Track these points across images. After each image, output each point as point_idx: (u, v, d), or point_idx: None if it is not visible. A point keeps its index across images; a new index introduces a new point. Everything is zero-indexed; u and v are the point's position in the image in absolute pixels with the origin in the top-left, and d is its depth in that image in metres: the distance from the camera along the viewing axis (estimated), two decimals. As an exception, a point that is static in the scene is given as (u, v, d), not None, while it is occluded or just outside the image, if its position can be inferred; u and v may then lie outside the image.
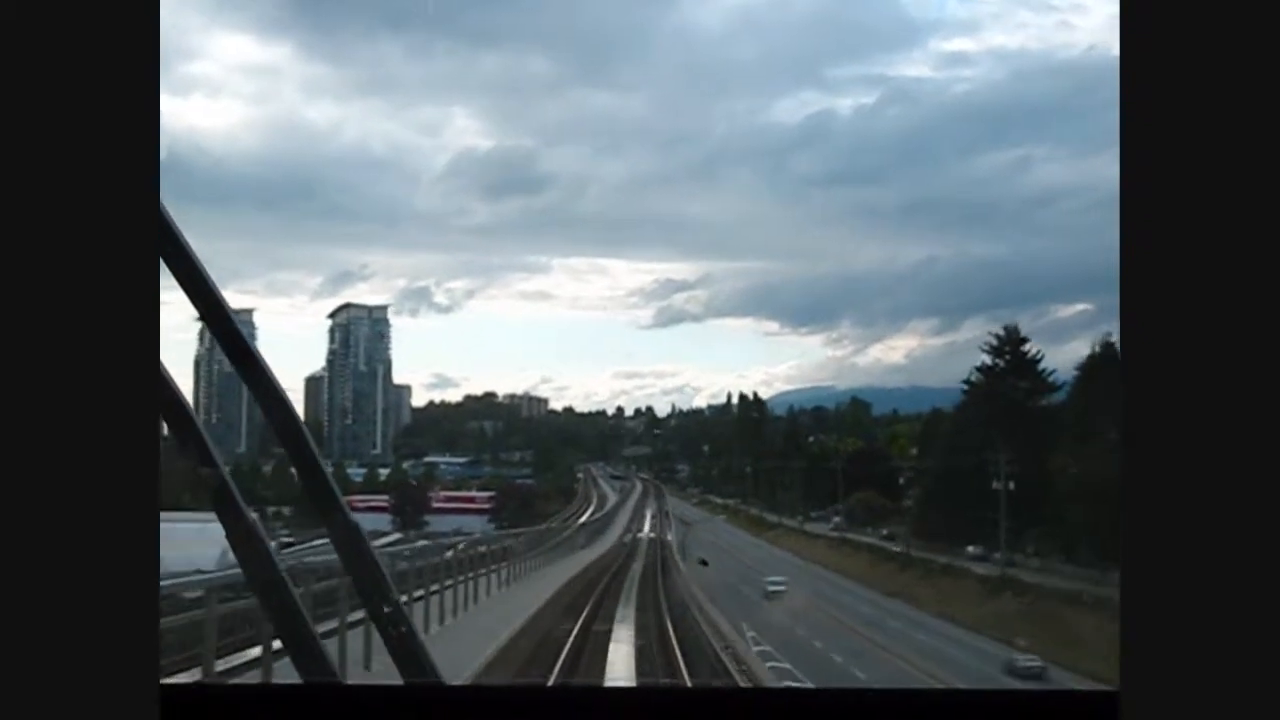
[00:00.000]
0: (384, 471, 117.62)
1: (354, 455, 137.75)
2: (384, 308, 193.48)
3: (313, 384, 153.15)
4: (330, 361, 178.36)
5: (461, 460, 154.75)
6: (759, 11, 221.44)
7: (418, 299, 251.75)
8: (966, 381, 67.73)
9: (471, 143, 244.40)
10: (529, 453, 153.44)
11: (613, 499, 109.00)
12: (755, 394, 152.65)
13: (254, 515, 1.40)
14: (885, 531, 74.87)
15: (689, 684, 18.39)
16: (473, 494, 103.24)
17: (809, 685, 15.86)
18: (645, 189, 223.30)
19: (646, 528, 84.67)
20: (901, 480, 79.98)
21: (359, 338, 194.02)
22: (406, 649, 1.45)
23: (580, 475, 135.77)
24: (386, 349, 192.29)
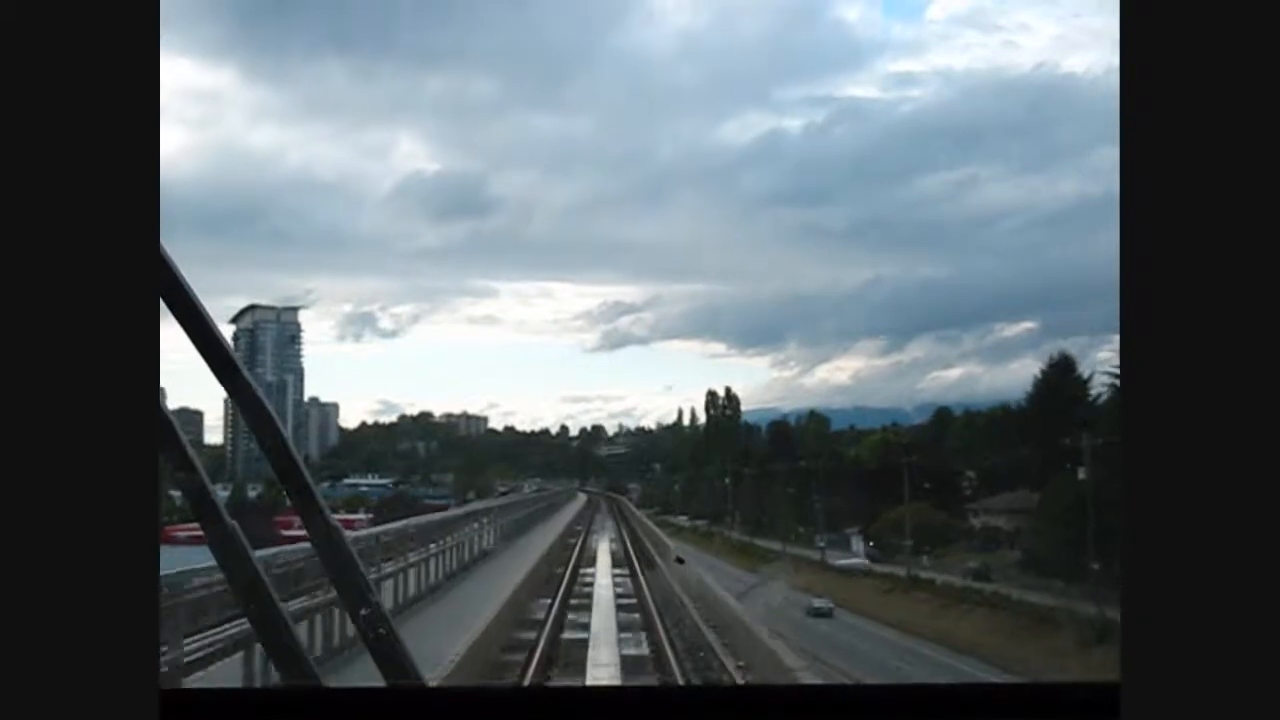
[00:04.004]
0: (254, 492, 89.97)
1: (261, 477, 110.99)
2: (294, 309, 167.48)
3: (230, 405, 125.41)
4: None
5: (386, 481, 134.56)
6: (705, 34, 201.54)
7: (362, 324, 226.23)
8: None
9: (418, 166, 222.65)
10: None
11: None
12: (728, 389, 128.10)
13: (233, 522, 1.45)
14: (974, 564, 47.74)
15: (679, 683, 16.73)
16: (350, 517, 73.93)
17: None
18: (592, 211, 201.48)
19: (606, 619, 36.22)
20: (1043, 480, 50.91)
21: (266, 344, 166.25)
22: (388, 651, 1.49)
23: (503, 490, 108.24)
24: (298, 357, 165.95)
